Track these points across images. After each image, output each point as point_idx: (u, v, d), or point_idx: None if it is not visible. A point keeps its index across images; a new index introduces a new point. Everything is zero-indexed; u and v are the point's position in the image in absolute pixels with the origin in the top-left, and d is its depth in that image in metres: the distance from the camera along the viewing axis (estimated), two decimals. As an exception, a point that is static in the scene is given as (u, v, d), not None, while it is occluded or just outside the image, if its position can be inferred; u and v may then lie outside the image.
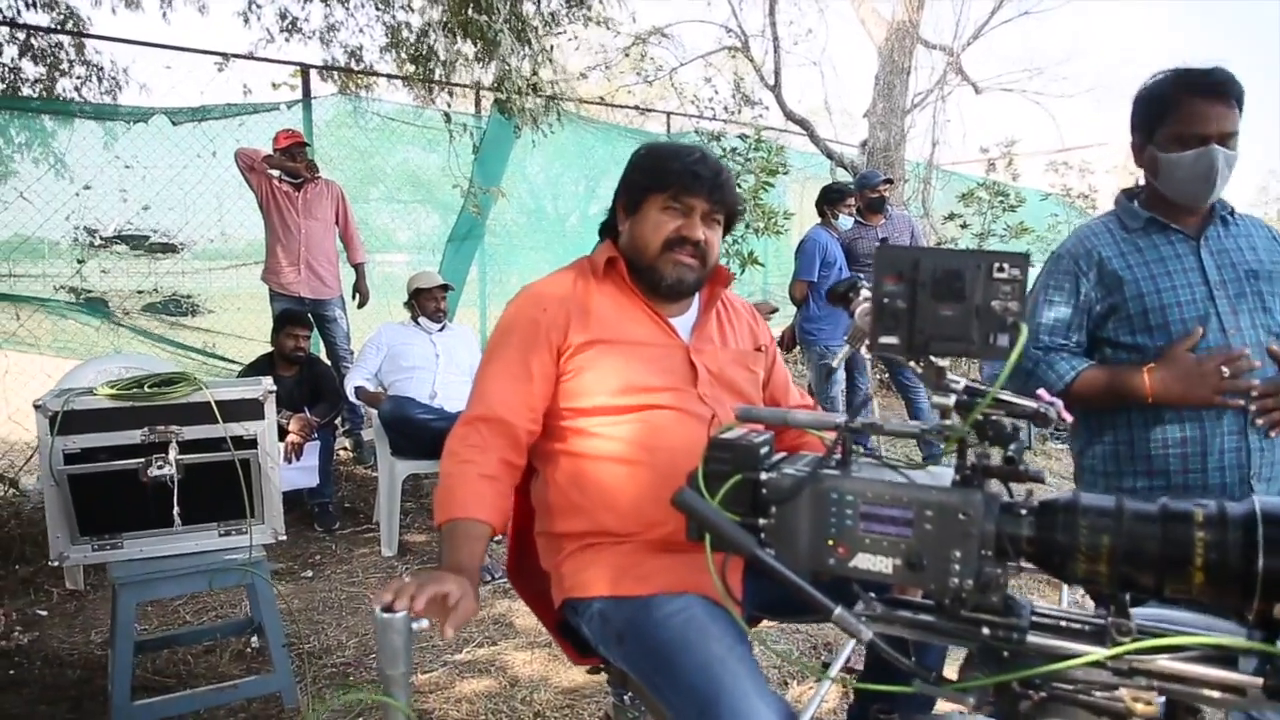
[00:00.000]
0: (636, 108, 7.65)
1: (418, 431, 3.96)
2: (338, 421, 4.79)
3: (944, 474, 1.22)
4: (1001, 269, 1.12)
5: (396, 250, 7.23)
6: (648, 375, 1.60)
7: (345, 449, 5.34)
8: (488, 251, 7.02)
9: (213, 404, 2.58)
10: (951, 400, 1.19)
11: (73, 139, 5.32)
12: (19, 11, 6.89)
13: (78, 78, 7.63)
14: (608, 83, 8.35)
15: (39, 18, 7.06)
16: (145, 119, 5.17)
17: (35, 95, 6.51)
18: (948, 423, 1.18)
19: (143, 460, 2.49)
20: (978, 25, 9.73)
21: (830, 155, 8.81)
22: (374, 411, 4.18)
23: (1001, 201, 6.47)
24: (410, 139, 6.70)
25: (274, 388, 2.68)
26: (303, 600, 3.60)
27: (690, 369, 1.65)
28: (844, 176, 8.15)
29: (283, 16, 8.28)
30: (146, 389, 2.59)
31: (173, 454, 2.52)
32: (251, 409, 2.65)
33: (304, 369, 4.54)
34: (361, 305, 5.39)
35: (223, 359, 5.27)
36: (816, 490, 1.20)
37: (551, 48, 5.26)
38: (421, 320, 4.46)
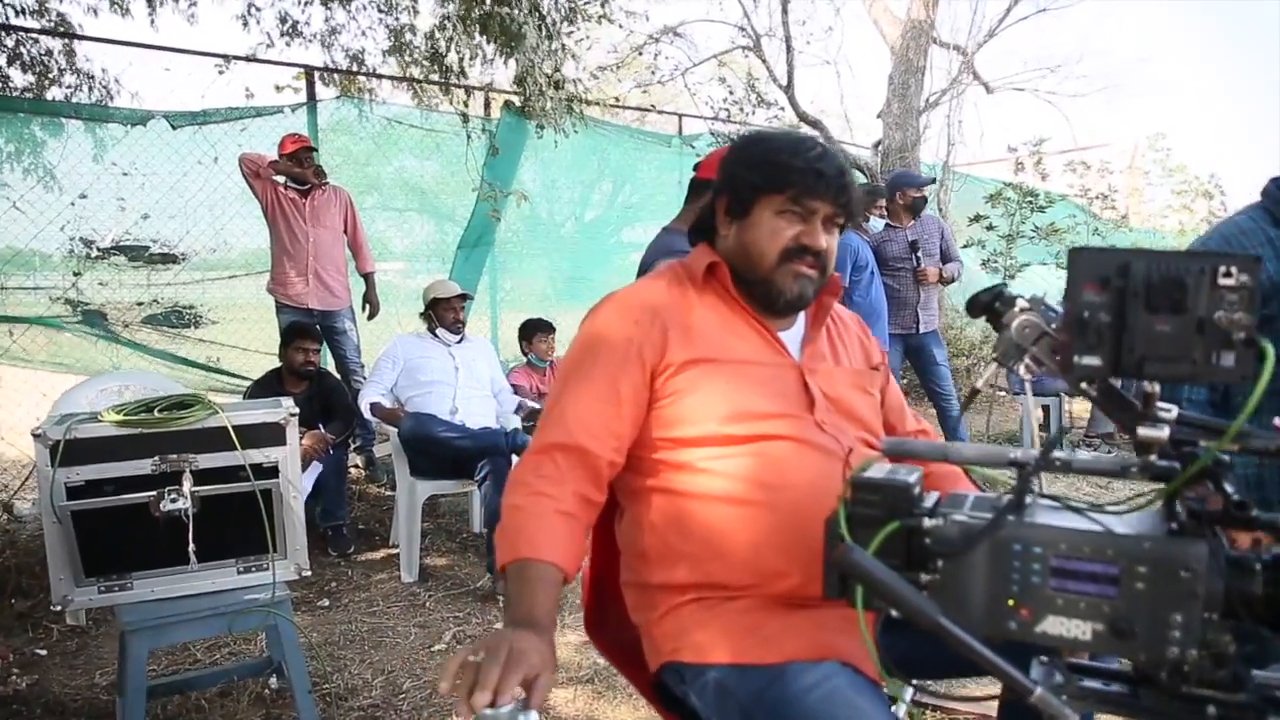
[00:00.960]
0: (650, 108, 7.43)
1: (440, 450, 3.73)
2: (350, 439, 4.55)
3: (1143, 520, 1.01)
4: (1228, 274, 0.92)
5: (392, 259, 7.01)
6: (760, 400, 1.37)
7: (357, 466, 5.10)
8: (497, 259, 6.80)
9: (230, 429, 2.34)
10: (1163, 432, 0.98)
11: (66, 147, 5.07)
12: (6, 15, 6.65)
13: (68, 86, 7.38)
14: (617, 83, 8.14)
15: (27, 23, 6.82)
16: (143, 122, 4.94)
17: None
18: (1162, 462, 0.98)
19: (154, 493, 2.25)
20: (992, 23, 9.52)
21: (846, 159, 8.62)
22: (390, 429, 3.94)
23: (1030, 202, 6.26)
24: (409, 146, 6.48)
25: (296, 410, 2.44)
26: (321, 633, 3.36)
27: (805, 392, 1.42)
28: (859, 179, 7.95)
29: (283, 20, 8.04)
30: (157, 414, 2.36)
31: (187, 485, 2.28)
32: (272, 434, 2.42)
33: (314, 384, 4.30)
34: (371, 316, 5.16)
35: (228, 373, 5.03)
36: (996, 541, 0.99)
37: (578, 42, 5.05)
38: (440, 332, 4.22)
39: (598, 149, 7.14)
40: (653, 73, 7.78)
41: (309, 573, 2.51)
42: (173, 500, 2.26)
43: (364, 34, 8.38)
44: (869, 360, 1.60)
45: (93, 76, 7.43)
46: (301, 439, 3.91)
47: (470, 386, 4.13)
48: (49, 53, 7.25)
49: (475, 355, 4.28)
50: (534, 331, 4.85)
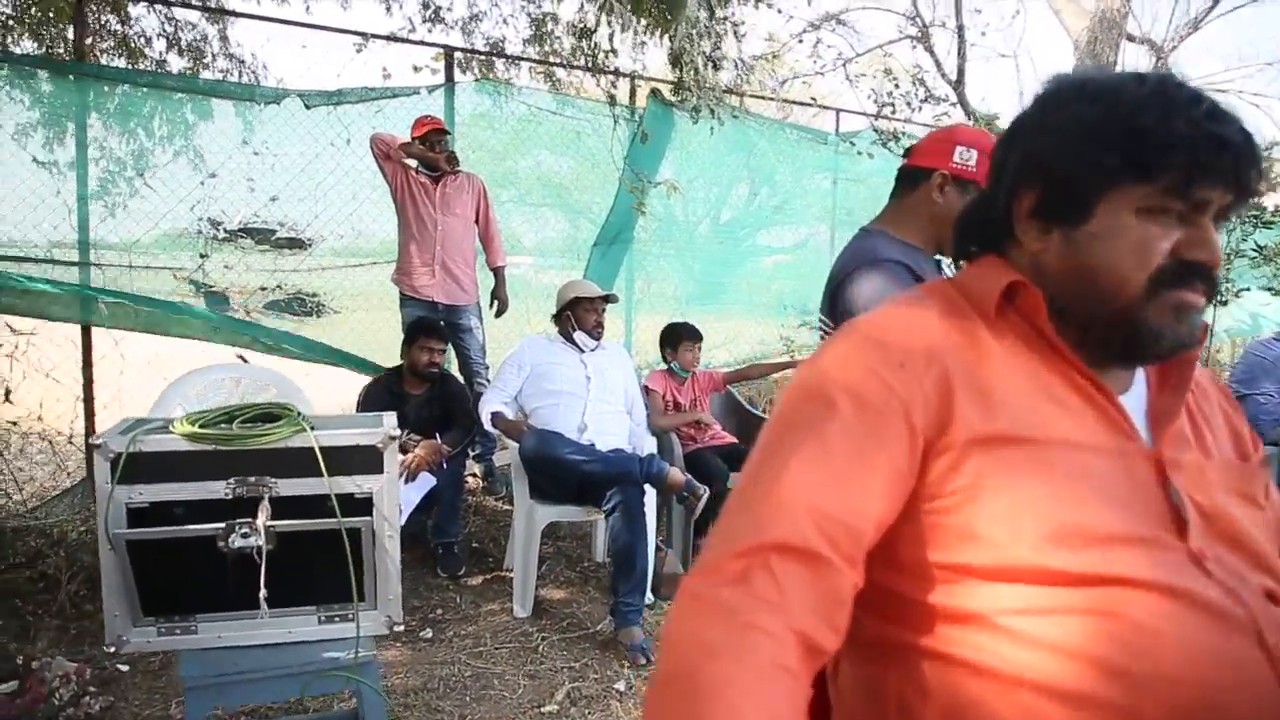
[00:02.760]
0: (811, 101, 6.81)
1: (564, 473, 3.28)
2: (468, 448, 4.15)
3: None
4: None
5: (523, 253, 6.64)
6: (1101, 512, 0.81)
7: (474, 475, 4.72)
8: (634, 258, 6.33)
9: (317, 451, 1.92)
10: None
11: (205, 126, 4.91)
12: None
13: (221, 70, 7.41)
14: (772, 74, 7.56)
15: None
16: (277, 101, 4.69)
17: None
18: None
19: (222, 526, 1.85)
20: (1195, 18, 8.46)
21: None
22: (512, 443, 3.51)
23: (1255, 217, 5.31)
24: (546, 139, 6.08)
25: (396, 432, 2.01)
26: (420, 676, 2.95)
27: (1167, 503, 0.85)
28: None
29: (425, 5, 7.89)
30: (236, 426, 1.96)
31: (262, 518, 1.87)
32: (367, 459, 1.99)
33: (435, 387, 3.93)
34: (499, 314, 4.77)
35: (357, 360, 4.71)
36: None
37: (742, 21, 4.52)
38: (577, 336, 3.76)
39: (746, 143, 6.57)
40: (814, 61, 7.16)
41: (401, 626, 2.08)
42: (244, 536, 1.85)
43: (505, 21, 8.17)
44: (1240, 448, 1.00)
45: (243, 61, 7.47)
46: (417, 446, 3.55)
47: (602, 400, 3.66)
48: (205, 37, 7.32)
49: (609, 364, 3.81)
50: (680, 338, 4.31)
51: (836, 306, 1.83)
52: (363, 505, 1.98)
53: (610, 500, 3.19)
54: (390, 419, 2.12)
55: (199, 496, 1.92)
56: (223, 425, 2.00)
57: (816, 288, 6.43)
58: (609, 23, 4.20)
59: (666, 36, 4.48)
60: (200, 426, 1.94)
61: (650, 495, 3.39)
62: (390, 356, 4.69)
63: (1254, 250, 5.49)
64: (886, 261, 1.79)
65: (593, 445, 3.48)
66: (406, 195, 4.40)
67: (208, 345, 4.54)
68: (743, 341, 6.90)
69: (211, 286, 4.66)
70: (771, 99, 6.52)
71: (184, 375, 3.54)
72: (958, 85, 7.61)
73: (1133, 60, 8.33)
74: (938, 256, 1.94)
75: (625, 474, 3.21)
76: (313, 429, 1.98)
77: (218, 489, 1.92)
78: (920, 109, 6.80)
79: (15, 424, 4.61)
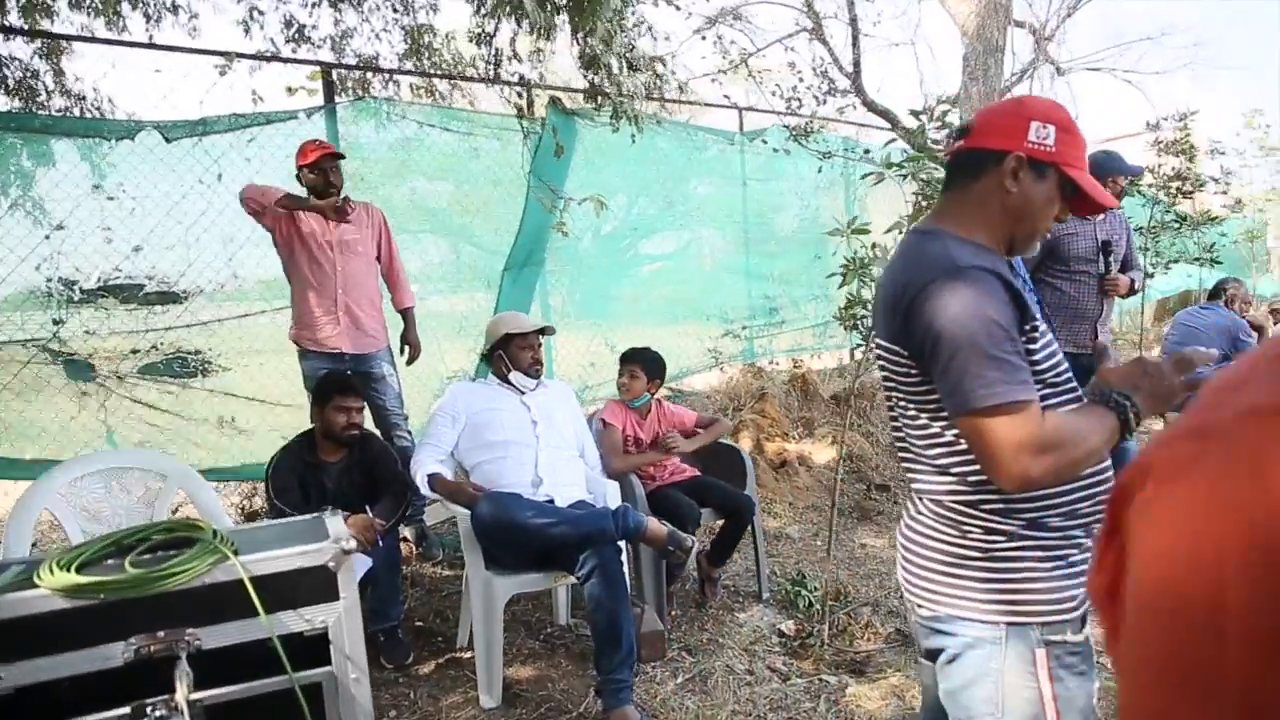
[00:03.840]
0: (727, 100, 6.51)
1: (528, 540, 2.83)
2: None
3: None
4: None
5: (422, 283, 6.09)
6: None
7: (405, 540, 4.19)
8: (544, 277, 5.88)
9: (248, 584, 1.44)
10: None
11: (44, 170, 4.22)
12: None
13: (58, 110, 6.59)
14: (672, 75, 7.24)
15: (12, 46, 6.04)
16: (132, 135, 4.06)
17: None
18: None
19: (127, 710, 1.35)
20: (1068, 2, 8.67)
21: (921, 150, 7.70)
22: (459, 509, 3.03)
23: (1176, 187, 5.28)
24: (439, 159, 5.56)
25: (353, 545, 1.53)
26: (386, 809, 2.45)
27: None
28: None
29: (288, 24, 7.26)
30: (129, 564, 1.46)
31: (183, 689, 1.37)
32: (316, 585, 1.52)
33: (355, 450, 3.40)
34: (411, 360, 4.25)
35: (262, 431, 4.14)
36: None
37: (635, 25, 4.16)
38: (514, 377, 3.31)
39: (651, 149, 6.22)
40: (723, 57, 6.86)
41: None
42: (158, 716, 1.35)
43: (378, 37, 7.61)
44: None
45: (84, 98, 6.66)
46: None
47: (553, 447, 3.22)
48: (35, 74, 6.48)
49: (554, 404, 3.37)
50: (627, 361, 3.82)
51: (912, 328, 1.46)
52: (317, 646, 1.50)
53: (584, 565, 2.76)
54: (336, 522, 1.65)
55: (89, 668, 1.40)
56: (111, 561, 1.49)
57: (738, 295, 6.05)
58: (516, 23, 3.76)
59: (579, 38, 4.08)
60: (79, 570, 1.43)
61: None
62: (297, 416, 4.13)
63: (1176, 221, 5.48)
64: (970, 269, 1.44)
65: (551, 501, 3.05)
66: (296, 241, 3.83)
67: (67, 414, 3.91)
68: (670, 356, 6.53)
69: (72, 354, 3.99)
70: (690, 102, 6.19)
71: (47, 473, 2.91)
72: (855, 77, 7.48)
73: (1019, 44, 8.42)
74: (1013, 258, 1.60)
75: (599, 533, 2.78)
76: (237, 553, 1.49)
77: (114, 654, 1.41)
78: (825, 101, 6.61)
79: None
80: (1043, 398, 1.44)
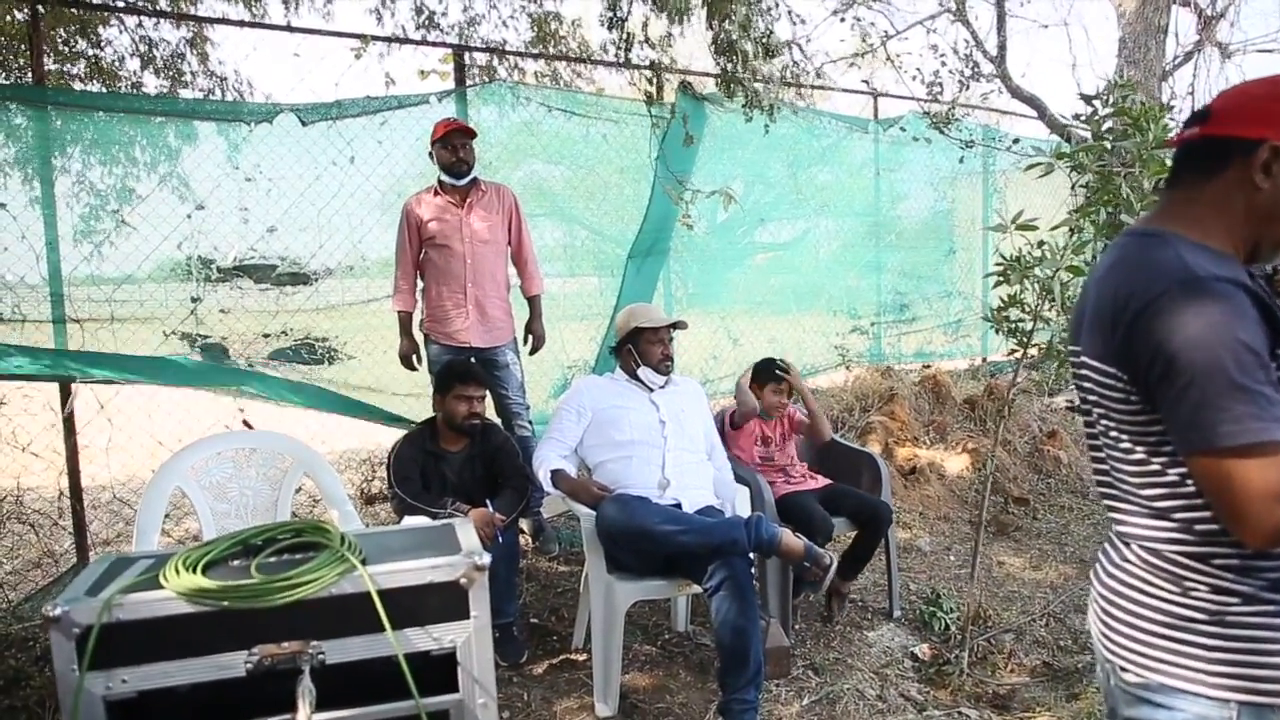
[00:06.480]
0: (866, 86, 6.21)
1: (654, 547, 2.68)
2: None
3: None
4: None
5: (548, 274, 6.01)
6: None
7: (522, 532, 4.12)
8: (669, 267, 5.72)
9: (375, 599, 1.33)
10: None
11: (188, 151, 4.31)
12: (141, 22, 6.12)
13: (202, 90, 6.84)
14: (807, 60, 6.95)
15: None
16: (269, 118, 4.10)
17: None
18: None
19: (248, 731, 1.26)
20: (1240, -28, 7.90)
21: (1070, 140, 7.19)
22: (582, 509, 2.91)
23: None
24: (565, 145, 5.47)
25: (486, 560, 1.41)
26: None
27: None
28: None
29: (418, 10, 7.32)
30: (255, 568, 1.36)
31: (305, 709, 1.27)
32: (446, 601, 1.40)
33: (476, 441, 3.32)
34: (534, 350, 4.16)
35: (382, 413, 4.13)
36: None
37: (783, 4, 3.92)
38: (642, 373, 3.16)
39: (784, 137, 5.97)
40: (863, 39, 6.55)
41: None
42: (280, 738, 1.25)
43: (504, 23, 7.61)
44: None
45: (224, 79, 6.89)
46: (465, 518, 2.95)
47: (682, 448, 3.06)
48: (182, 56, 6.73)
49: (684, 403, 3.21)
50: (766, 379, 3.70)
51: (1136, 347, 1.23)
52: (443, 668, 1.38)
53: (713, 576, 2.59)
54: (468, 531, 1.53)
55: (209, 676, 1.32)
56: (236, 562, 1.40)
57: (866, 289, 5.75)
58: (652, 6, 3.60)
59: (714, 23, 3.90)
60: (204, 572, 1.35)
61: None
62: (420, 401, 4.12)
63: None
64: (1211, 280, 1.19)
65: (678, 505, 2.89)
66: (424, 233, 3.82)
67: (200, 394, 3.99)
68: (790, 349, 6.29)
69: (207, 338, 4.06)
70: (825, 88, 5.91)
71: (179, 451, 2.93)
72: (999, 61, 7.02)
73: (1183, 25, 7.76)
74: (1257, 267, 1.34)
75: (731, 544, 2.61)
76: (365, 562, 1.38)
77: (235, 663, 1.33)
78: (968, 87, 6.21)
79: (-10, 506, 4.00)
80: None
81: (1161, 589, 1.30)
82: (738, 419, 3.63)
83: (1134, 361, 1.24)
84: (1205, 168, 1.33)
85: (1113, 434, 1.34)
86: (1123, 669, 1.35)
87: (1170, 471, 1.26)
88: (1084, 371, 1.37)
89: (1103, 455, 1.39)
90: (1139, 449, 1.29)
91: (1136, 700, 1.35)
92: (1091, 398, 1.36)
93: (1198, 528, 1.25)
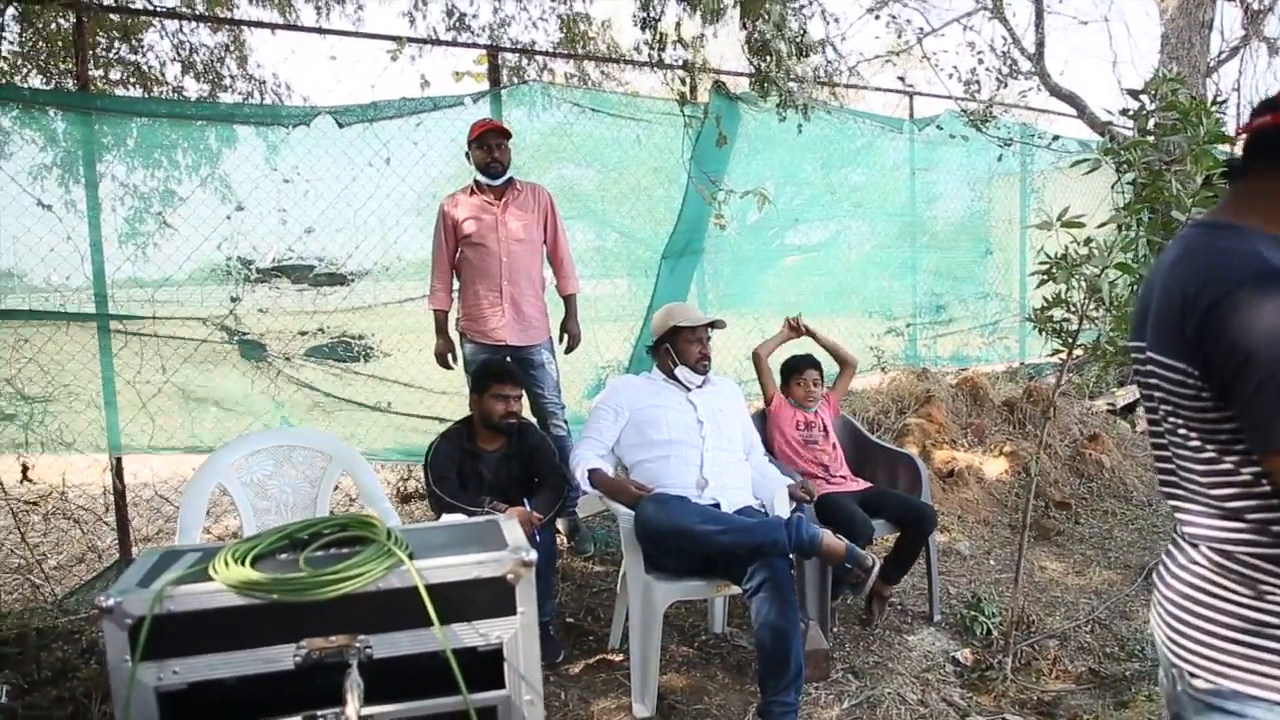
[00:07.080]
0: (901, 83, 6.16)
1: (693, 547, 2.66)
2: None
3: None
4: None
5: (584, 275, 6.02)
6: None
7: (558, 531, 4.11)
8: (702, 267, 5.70)
9: (423, 593, 1.32)
10: None
11: (228, 153, 4.37)
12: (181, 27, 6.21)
13: (241, 93, 6.94)
14: (841, 60, 6.91)
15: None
16: (307, 121, 4.13)
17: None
18: None
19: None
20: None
21: (1112, 138, 7.08)
22: (620, 509, 2.90)
23: None
24: (597, 145, 5.46)
25: (533, 556, 1.40)
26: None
27: None
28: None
29: (449, 12, 7.37)
30: (303, 562, 1.36)
31: (354, 700, 1.27)
32: (492, 597, 1.39)
33: (513, 440, 3.32)
34: (569, 350, 4.16)
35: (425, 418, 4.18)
36: None
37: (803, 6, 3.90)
38: (680, 372, 3.15)
39: (819, 137, 5.92)
40: (899, 36, 6.49)
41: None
42: (329, 732, 1.25)
43: (534, 24, 7.63)
44: None
45: (263, 83, 6.98)
46: (503, 516, 2.95)
47: (720, 448, 3.04)
48: (221, 60, 6.82)
49: (721, 403, 3.19)
50: (802, 368, 3.74)
51: (1209, 342, 1.19)
52: (490, 664, 1.37)
53: (753, 577, 2.57)
54: (513, 528, 1.52)
55: (257, 669, 1.32)
56: (284, 555, 1.40)
57: (902, 290, 5.73)
58: (686, 6, 3.59)
59: (748, 22, 3.88)
60: (252, 565, 1.35)
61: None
62: (456, 403, 4.14)
63: None
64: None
65: (717, 505, 2.87)
66: (460, 233, 3.84)
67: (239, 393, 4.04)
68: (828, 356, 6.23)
69: (246, 333, 4.10)
70: (859, 87, 5.87)
71: (220, 449, 2.96)
72: (1037, 59, 6.93)
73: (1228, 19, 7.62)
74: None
75: (771, 545, 2.58)
76: (412, 557, 1.38)
77: (284, 656, 1.32)
78: (1006, 85, 6.14)
79: (36, 503, 4.06)
80: None
81: (1234, 592, 1.26)
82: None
83: (1206, 357, 1.20)
84: (1277, 158, 1.29)
85: (1180, 432, 1.30)
86: (1191, 674, 1.31)
87: (1244, 470, 1.22)
88: (1149, 368, 1.33)
89: (1168, 454, 1.35)
90: (1209, 447, 1.26)
91: (1207, 708, 1.31)
92: (1157, 394, 1.33)
93: (1274, 528, 1.21)
